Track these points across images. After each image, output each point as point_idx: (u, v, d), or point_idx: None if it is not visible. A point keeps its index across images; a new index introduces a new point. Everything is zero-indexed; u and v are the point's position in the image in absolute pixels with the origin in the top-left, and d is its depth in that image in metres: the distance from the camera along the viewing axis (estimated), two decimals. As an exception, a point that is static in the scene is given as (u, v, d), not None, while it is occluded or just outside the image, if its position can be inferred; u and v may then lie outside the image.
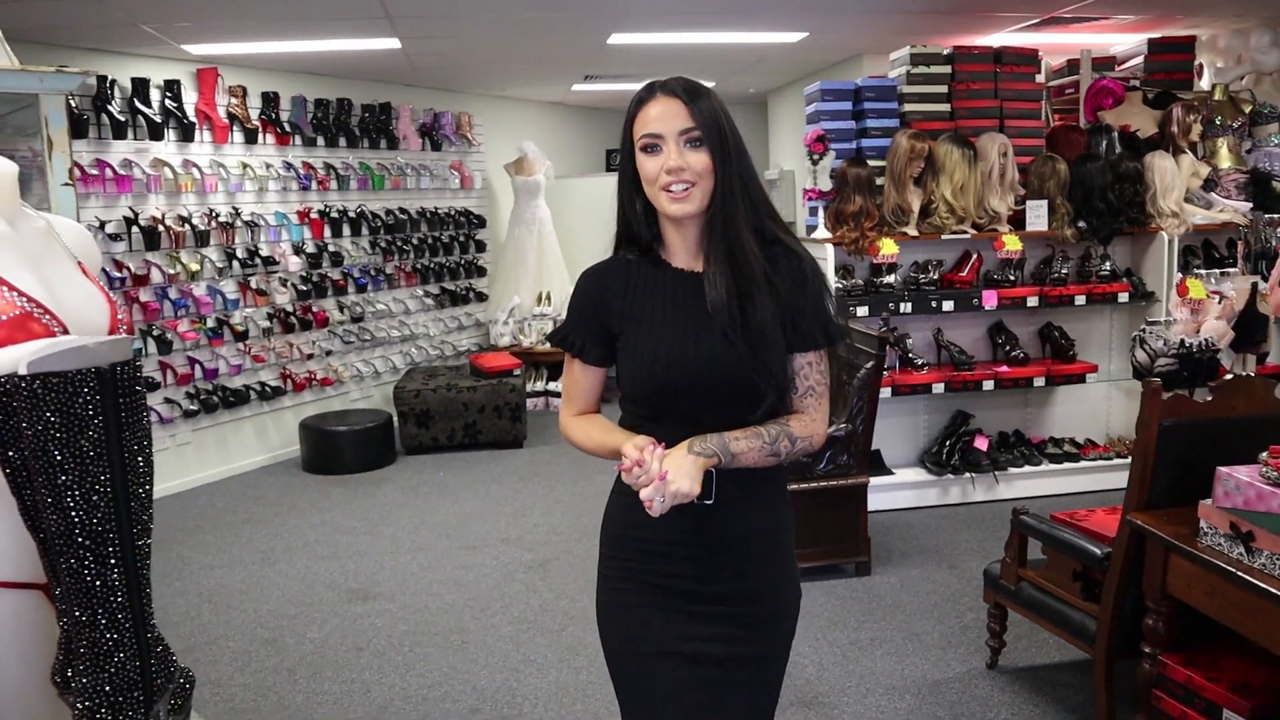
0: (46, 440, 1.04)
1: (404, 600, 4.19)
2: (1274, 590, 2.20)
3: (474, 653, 3.68)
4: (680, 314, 1.70)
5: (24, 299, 1.20)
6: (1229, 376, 2.75)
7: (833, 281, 4.93)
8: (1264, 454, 2.34)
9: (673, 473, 1.56)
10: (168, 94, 5.87)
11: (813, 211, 5.24)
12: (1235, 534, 2.34)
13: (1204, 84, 6.17)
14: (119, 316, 1.36)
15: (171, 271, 5.84)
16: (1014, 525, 3.22)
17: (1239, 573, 2.30)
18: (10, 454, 1.09)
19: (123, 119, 5.62)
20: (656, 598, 1.74)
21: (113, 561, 1.09)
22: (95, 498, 1.07)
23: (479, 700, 3.35)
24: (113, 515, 1.09)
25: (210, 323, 6.12)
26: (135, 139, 5.74)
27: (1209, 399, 2.69)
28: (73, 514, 1.06)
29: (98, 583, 1.09)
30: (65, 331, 1.23)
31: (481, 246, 8.46)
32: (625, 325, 1.73)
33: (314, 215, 6.85)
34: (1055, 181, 5.12)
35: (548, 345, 7.51)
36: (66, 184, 1.58)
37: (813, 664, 3.51)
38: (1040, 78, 5.71)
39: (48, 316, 1.21)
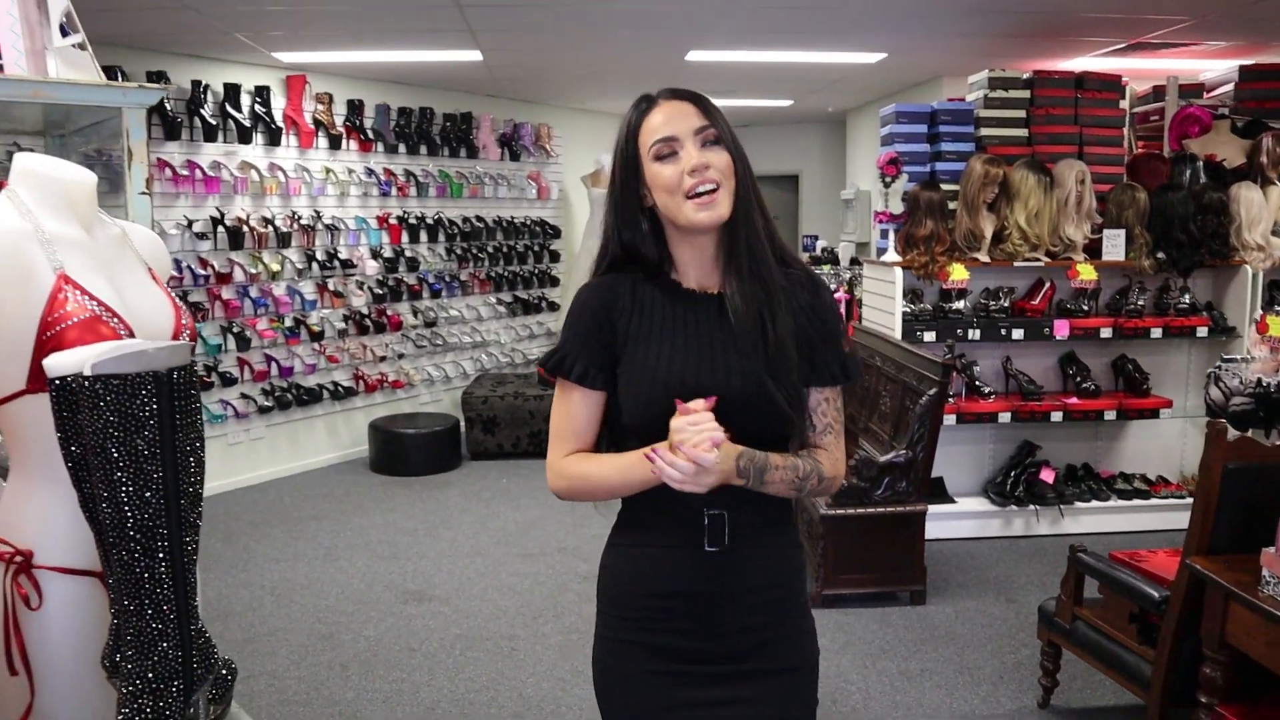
0: (105, 438, 1.10)
1: (458, 604, 4.26)
2: (1336, 645, 2.13)
3: (523, 660, 3.72)
4: (694, 336, 1.55)
5: (95, 303, 1.28)
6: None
7: (900, 305, 4.89)
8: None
9: (720, 452, 1.41)
10: (257, 99, 6.08)
11: (883, 234, 5.21)
12: (1297, 584, 2.27)
13: (1299, 114, 5.96)
14: (183, 322, 1.43)
15: (253, 271, 6.03)
16: (1071, 562, 3.16)
17: (1300, 624, 2.23)
18: (73, 448, 1.15)
19: (214, 122, 5.84)
20: (663, 661, 1.58)
21: (161, 555, 1.15)
22: (148, 494, 1.13)
23: (524, 707, 3.39)
24: (163, 512, 1.15)
25: (288, 322, 6.31)
26: (225, 142, 5.95)
27: (1277, 443, 2.61)
28: (125, 508, 1.12)
29: (146, 575, 1.15)
30: (131, 334, 1.30)
31: (555, 256, 8.56)
32: (630, 347, 1.56)
33: (392, 221, 7.01)
34: (1135, 210, 5.00)
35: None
36: (143, 193, 1.66)
37: (859, 692, 3.48)
38: (1124, 104, 5.59)
39: (116, 320, 1.28)
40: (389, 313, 7.01)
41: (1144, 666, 2.84)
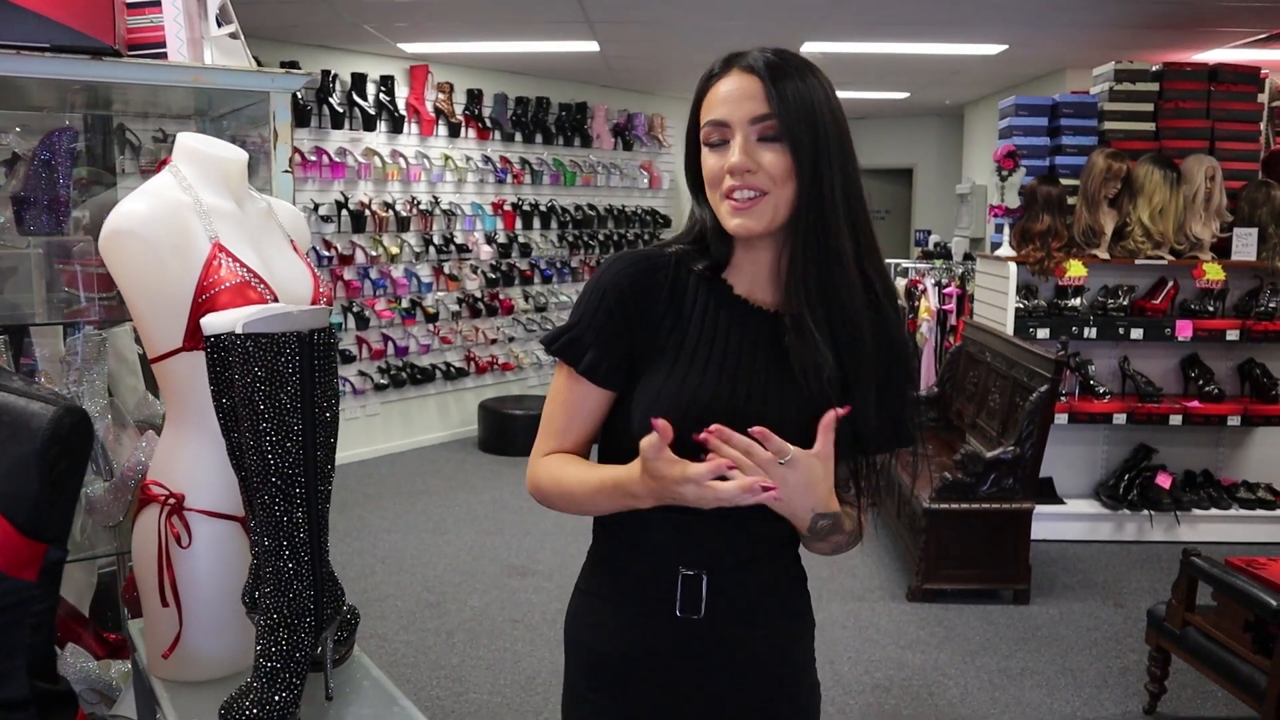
0: (253, 391, 1.21)
1: (561, 580, 4.38)
2: None
3: (622, 636, 3.80)
4: (738, 358, 1.25)
5: (244, 269, 1.39)
6: None
7: (1013, 301, 4.81)
8: None
9: (804, 477, 1.13)
10: (382, 89, 6.31)
11: (998, 229, 5.12)
12: None
13: None
14: (321, 290, 1.54)
15: (374, 253, 6.27)
16: (1183, 566, 3.08)
17: None
18: (223, 401, 1.26)
19: (341, 110, 6.08)
20: None
21: (299, 501, 1.25)
22: (288, 444, 1.23)
23: (622, 681, 3.47)
24: (301, 461, 1.25)
25: (405, 303, 6.53)
26: (350, 129, 6.20)
27: None
28: (269, 456, 1.22)
29: (285, 518, 1.25)
30: (276, 299, 1.41)
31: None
32: (656, 351, 1.26)
33: (507, 207, 7.18)
34: (1269, 209, 4.80)
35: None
36: (286, 171, 1.79)
37: (957, 686, 3.46)
38: (1262, 98, 5.35)
39: (262, 286, 1.39)
40: (501, 297, 7.19)
41: (1259, 677, 2.76)
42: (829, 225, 1.21)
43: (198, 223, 1.39)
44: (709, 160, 1.24)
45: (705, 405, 1.21)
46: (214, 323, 1.24)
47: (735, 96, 1.21)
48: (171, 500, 1.40)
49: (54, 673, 1.03)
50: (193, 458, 1.43)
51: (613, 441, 1.32)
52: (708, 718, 1.32)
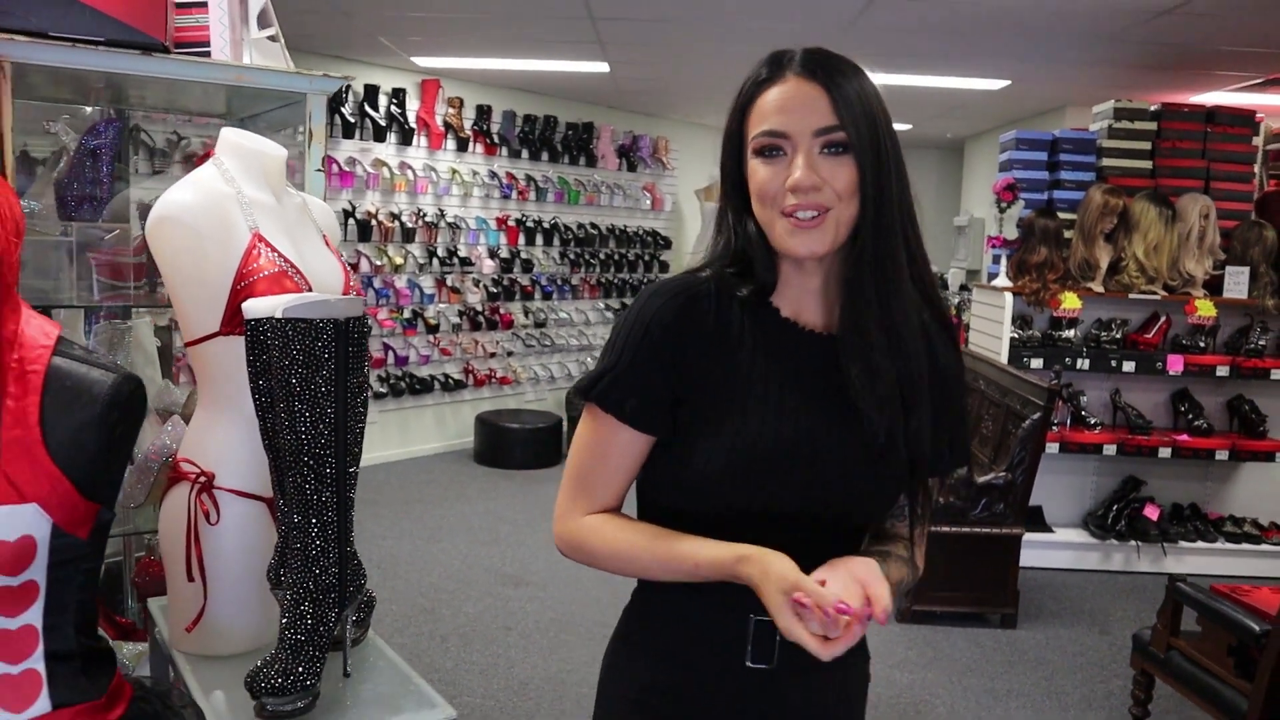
0: (290, 373, 1.27)
1: (554, 590, 4.42)
2: None
3: (614, 646, 3.85)
4: (795, 391, 1.16)
5: (282, 259, 1.45)
6: None
7: (1008, 330, 4.88)
8: None
9: (876, 588, 1.05)
10: (394, 100, 6.40)
11: (995, 259, 5.20)
12: (1403, 623, 2.25)
13: None
14: (351, 283, 1.60)
15: (378, 263, 6.34)
16: (1169, 591, 3.14)
17: (1403, 664, 2.21)
18: (260, 382, 1.32)
19: (352, 120, 6.17)
20: None
21: (329, 480, 1.31)
22: (321, 425, 1.29)
23: (614, 690, 3.52)
24: (332, 442, 1.31)
25: (406, 313, 6.60)
26: (361, 139, 6.28)
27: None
28: (302, 436, 1.28)
29: (315, 497, 1.31)
30: (310, 289, 1.47)
31: (665, 267, 8.71)
32: (708, 391, 1.16)
33: (511, 223, 7.26)
34: (1261, 248, 4.90)
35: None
36: (318, 170, 1.86)
37: (945, 706, 3.50)
38: (1257, 140, 5.47)
39: (299, 276, 1.46)
40: (502, 311, 7.25)
41: (1240, 701, 2.81)
42: (891, 241, 1.13)
43: (239, 213, 1.45)
44: (761, 173, 1.13)
45: (769, 450, 1.13)
46: (255, 307, 1.31)
47: (795, 105, 1.11)
48: (203, 478, 1.46)
49: (96, 630, 1.09)
50: (223, 439, 1.49)
51: (653, 491, 1.22)
52: None
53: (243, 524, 1.48)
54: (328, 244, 1.62)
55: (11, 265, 1.01)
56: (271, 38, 1.90)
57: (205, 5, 1.72)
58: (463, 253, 6.90)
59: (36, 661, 1.02)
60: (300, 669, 1.31)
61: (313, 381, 1.28)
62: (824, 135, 1.11)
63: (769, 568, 1.05)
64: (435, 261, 6.74)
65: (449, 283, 6.87)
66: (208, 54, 1.77)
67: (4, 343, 1.00)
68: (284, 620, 1.34)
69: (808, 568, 1.07)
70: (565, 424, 7.09)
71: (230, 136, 1.52)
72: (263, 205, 1.50)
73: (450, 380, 6.98)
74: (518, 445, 6.74)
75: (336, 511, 1.34)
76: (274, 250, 1.45)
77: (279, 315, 1.27)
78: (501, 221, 7.22)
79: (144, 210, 1.98)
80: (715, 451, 1.13)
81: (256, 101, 2.20)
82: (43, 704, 1.02)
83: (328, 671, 1.42)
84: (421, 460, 6.82)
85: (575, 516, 1.20)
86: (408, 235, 6.49)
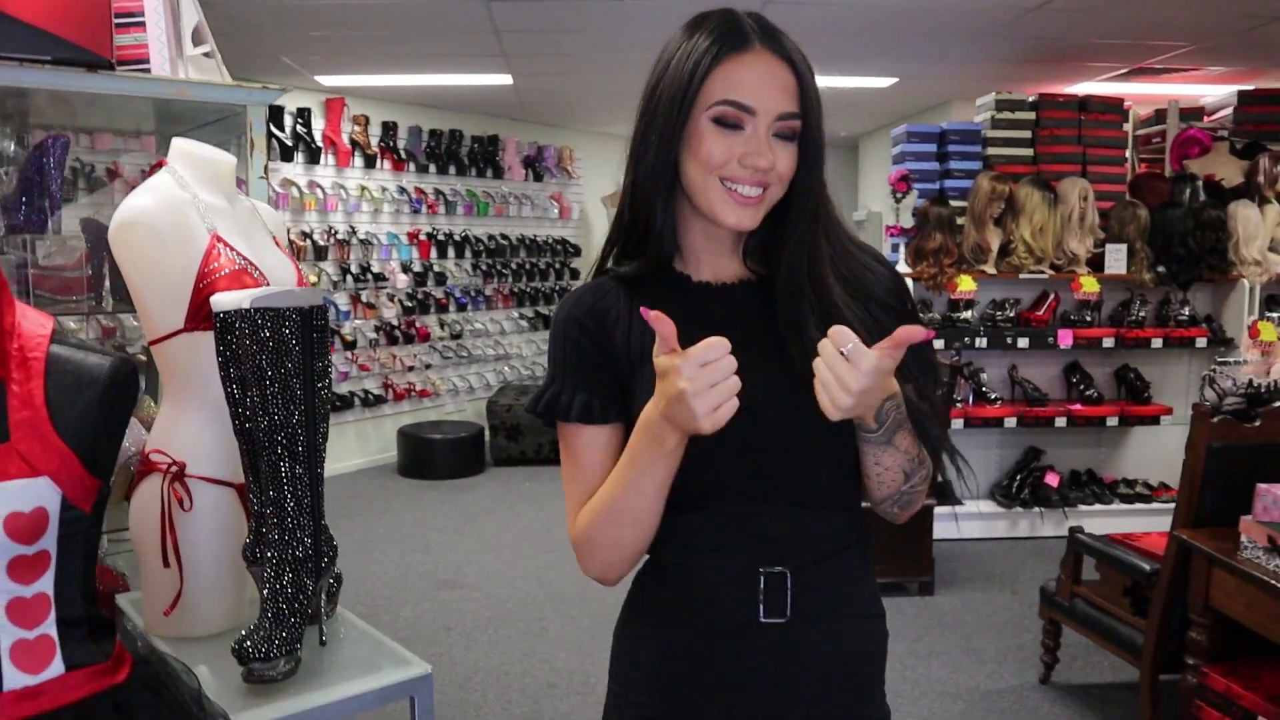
0: (261, 359, 1.37)
1: (489, 591, 4.50)
2: (1304, 599, 2.36)
3: (553, 638, 3.96)
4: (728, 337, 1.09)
5: (241, 258, 1.54)
6: (1277, 404, 2.90)
7: (911, 314, 5.13)
8: (1302, 474, 2.50)
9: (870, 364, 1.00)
10: (299, 120, 6.40)
11: (894, 248, 5.47)
12: (1272, 546, 2.50)
13: (1295, 138, 6.22)
14: (303, 280, 1.69)
15: (292, 282, 6.32)
16: (1070, 542, 3.39)
17: (1274, 583, 2.45)
18: (232, 371, 1.42)
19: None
20: None
21: (301, 456, 1.41)
22: (291, 405, 1.39)
23: (556, 677, 3.63)
24: (303, 421, 1.40)
25: (323, 331, 6.59)
26: (268, 159, 6.26)
27: (1257, 424, 2.85)
28: (275, 416, 1.38)
29: (289, 472, 1.41)
30: (268, 285, 1.57)
31: (575, 274, 8.84)
32: (641, 370, 1.15)
33: (422, 237, 7.31)
34: (1136, 226, 5.25)
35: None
36: (261, 177, 1.94)
37: (872, 668, 3.69)
38: (1127, 127, 5.86)
39: (257, 272, 1.55)
40: (418, 324, 7.29)
41: (1136, 636, 3.06)
42: (821, 226, 1.19)
43: (196, 216, 1.54)
44: (714, 141, 1.12)
45: None
46: (224, 300, 1.40)
47: (767, 83, 1.12)
48: (174, 467, 1.54)
49: (97, 599, 1.17)
50: (192, 430, 1.57)
51: None
52: None
53: (214, 509, 1.57)
54: (277, 244, 1.72)
55: None
56: (207, 54, 1.97)
57: (143, 25, 1.79)
58: (376, 268, 6.92)
59: (49, 627, 1.10)
60: (283, 634, 1.41)
61: (282, 366, 1.38)
62: (785, 121, 1.14)
63: (660, 394, 1.03)
64: (349, 278, 6.75)
65: (364, 299, 6.89)
66: (148, 71, 1.84)
67: (4, 333, 1.08)
68: (265, 591, 1.43)
69: (821, 522, 1.16)
70: (487, 433, 7.15)
71: (182, 145, 1.60)
72: (217, 209, 1.58)
73: (370, 396, 6.98)
74: (441, 456, 6.78)
75: (309, 486, 1.44)
76: (232, 249, 1.54)
77: (246, 305, 1.37)
78: (413, 236, 7.26)
79: (86, 225, 2.03)
80: None
81: (188, 116, 2.26)
82: (57, 666, 1.10)
83: (304, 643, 1.51)
84: (345, 477, 6.80)
85: (573, 526, 1.22)
86: (320, 253, 6.50)
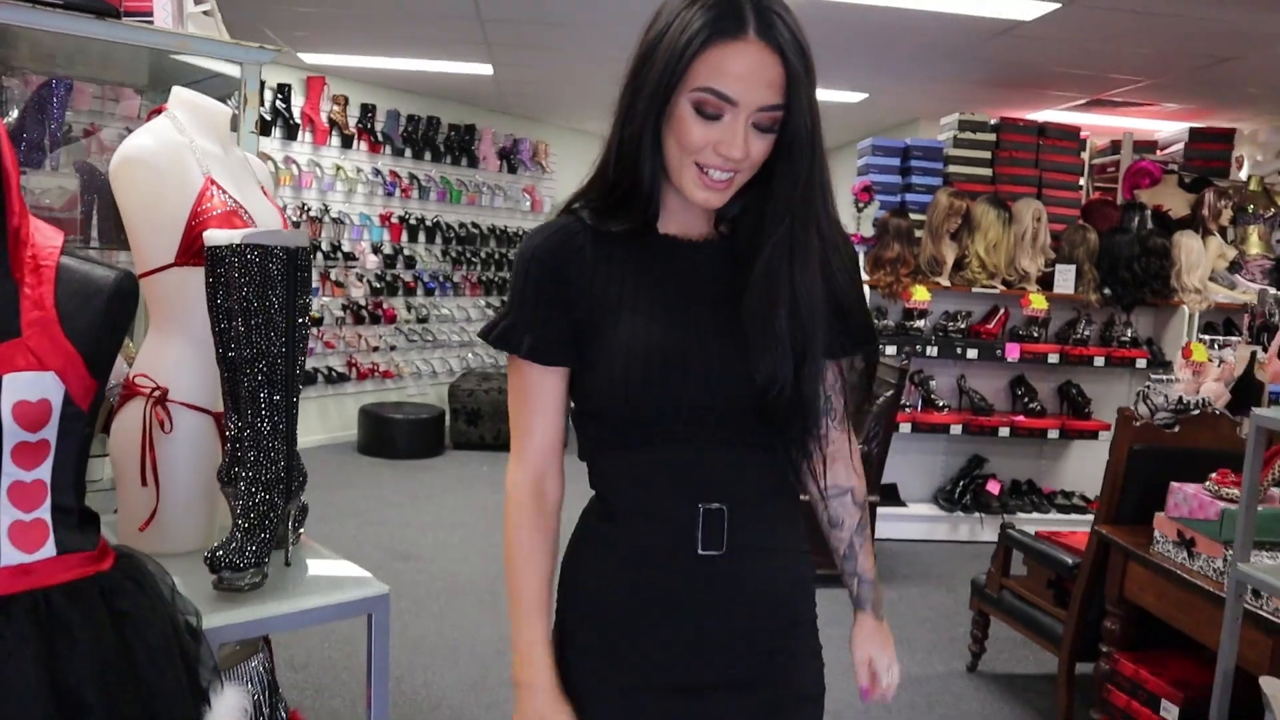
0: (248, 289, 1.48)
1: (443, 563, 4.60)
2: (1207, 588, 2.53)
3: (503, 607, 4.03)
4: (679, 295, 1.23)
5: (232, 200, 1.65)
6: (1196, 413, 3.09)
7: (866, 320, 5.29)
8: (1213, 474, 2.68)
9: (885, 662, 1.51)
10: (279, 96, 6.47)
11: (855, 255, 5.63)
12: (1180, 540, 2.68)
13: (1241, 175, 6.49)
14: (289, 225, 1.80)
15: (262, 255, 6.39)
16: (1001, 538, 3.56)
17: (1180, 574, 2.63)
18: (219, 300, 1.53)
19: (236, 113, 6.20)
20: (645, 679, 1.27)
21: (279, 383, 1.52)
22: (273, 334, 1.50)
23: (504, 645, 3.70)
24: (283, 351, 1.52)
25: (291, 306, 6.65)
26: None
27: (1176, 430, 3.03)
28: (259, 343, 1.49)
29: (267, 398, 1.52)
30: (257, 227, 1.68)
31: (544, 267, 8.94)
32: (595, 314, 1.22)
33: (394, 220, 7.39)
34: (1085, 249, 5.46)
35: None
36: (252, 132, 2.05)
37: (808, 652, 3.84)
38: (1084, 155, 6.08)
39: (247, 215, 1.66)
40: (385, 306, 7.37)
41: (1058, 627, 3.23)
42: (818, 159, 1.20)
43: (192, 159, 1.65)
44: (693, 126, 1.15)
45: (662, 342, 1.20)
46: (216, 237, 1.51)
47: (755, 75, 1.13)
48: (157, 392, 1.64)
49: (85, 493, 1.28)
50: (175, 359, 1.67)
51: (580, 412, 1.29)
52: (724, 660, 1.27)
53: (193, 434, 1.67)
54: (265, 194, 1.83)
55: (10, 170, 1.19)
56: (206, 12, 2.08)
57: (149, -23, 1.90)
58: (347, 248, 7.00)
59: (45, 512, 1.20)
60: (253, 548, 1.52)
61: (267, 298, 1.49)
62: (766, 113, 1.14)
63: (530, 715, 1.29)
64: (319, 255, 6.81)
65: (333, 277, 6.95)
66: (151, 23, 1.94)
67: (20, 241, 1.19)
68: (237, 509, 1.54)
69: (755, 464, 1.26)
70: (448, 416, 7.24)
71: (183, 94, 1.71)
72: (212, 154, 1.69)
73: (334, 373, 7.05)
74: (401, 435, 6.86)
75: (285, 412, 1.55)
76: (224, 192, 1.65)
77: (237, 240, 1.48)
78: (385, 218, 7.34)
79: (80, 167, 2.12)
80: (606, 361, 1.20)
81: (188, 72, 2.35)
82: (50, 548, 1.20)
83: (271, 564, 1.62)
84: (306, 451, 6.65)
85: (519, 465, 1.29)
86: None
